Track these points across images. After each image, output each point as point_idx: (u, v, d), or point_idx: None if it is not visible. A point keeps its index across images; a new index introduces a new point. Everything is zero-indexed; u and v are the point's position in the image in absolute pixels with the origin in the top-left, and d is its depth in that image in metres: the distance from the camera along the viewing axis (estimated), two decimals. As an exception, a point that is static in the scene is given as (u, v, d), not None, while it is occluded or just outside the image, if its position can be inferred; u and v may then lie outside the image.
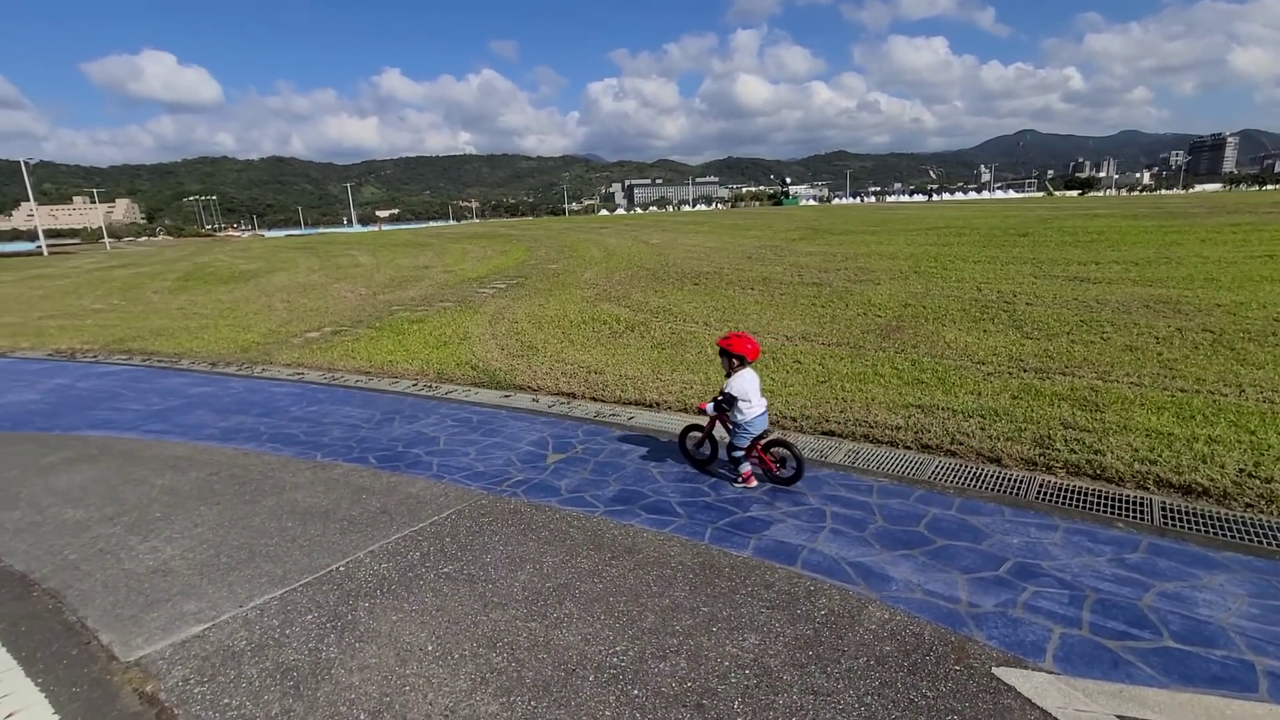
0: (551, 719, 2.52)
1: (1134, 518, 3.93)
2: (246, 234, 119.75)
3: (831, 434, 5.48)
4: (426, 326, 11.41)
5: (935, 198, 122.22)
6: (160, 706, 2.68)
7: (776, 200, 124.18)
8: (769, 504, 4.30)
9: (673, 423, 5.93)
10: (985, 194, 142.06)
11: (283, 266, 23.99)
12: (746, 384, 4.41)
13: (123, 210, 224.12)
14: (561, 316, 11.17)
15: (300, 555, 3.85)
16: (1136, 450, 4.68)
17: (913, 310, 9.18)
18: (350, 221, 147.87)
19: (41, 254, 49.31)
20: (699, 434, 4.94)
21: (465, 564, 3.69)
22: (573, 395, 7.07)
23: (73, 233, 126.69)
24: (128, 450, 5.98)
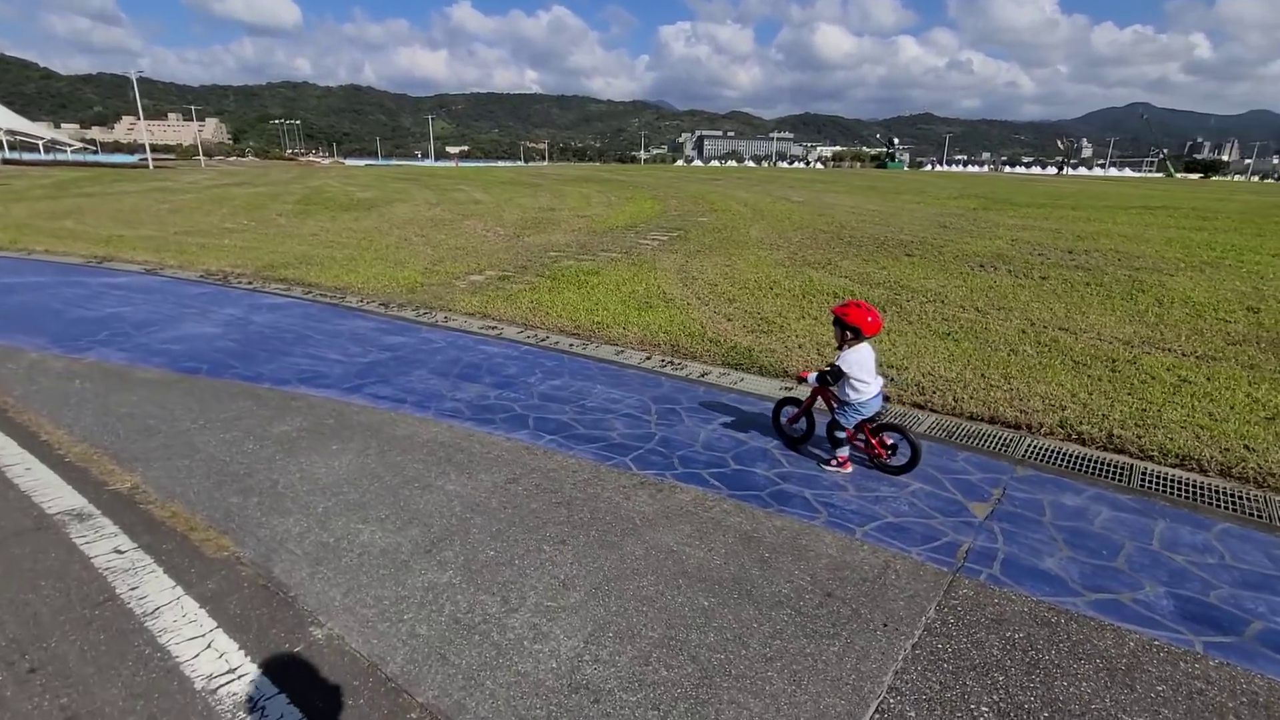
0: None
1: None
2: (326, 160, 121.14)
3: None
4: (607, 280, 9.96)
5: (1065, 171, 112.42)
6: None
7: (880, 163, 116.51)
8: None
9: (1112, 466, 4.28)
10: (1099, 171, 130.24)
11: (399, 198, 22.99)
12: (863, 360, 3.94)
13: (212, 129, 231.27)
14: (769, 282, 9.51)
15: (783, 680, 2.44)
16: None
17: (1274, 319, 7.09)
18: (429, 155, 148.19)
19: (148, 167, 50.30)
20: (795, 409, 4.46)
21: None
22: (887, 398, 5.48)
23: (167, 149, 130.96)
24: (371, 425, 4.75)
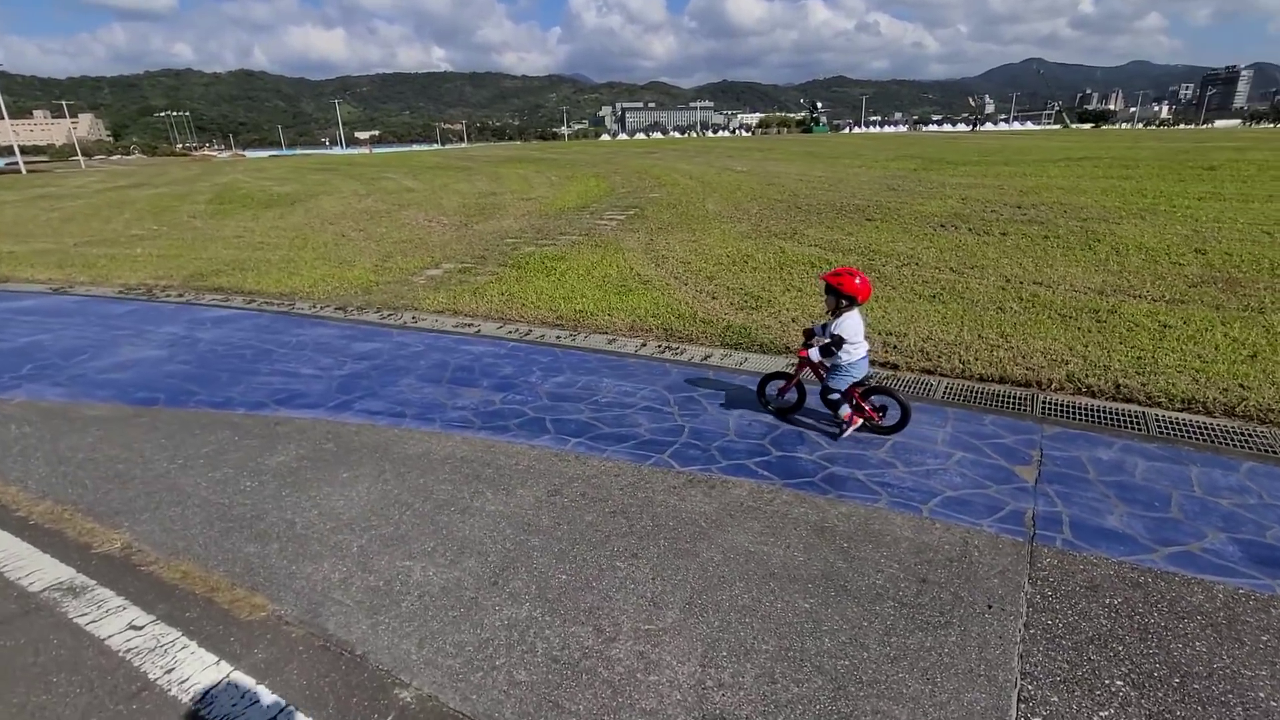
0: None
1: None
2: (225, 154, 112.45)
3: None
4: (575, 265, 9.63)
5: (979, 127, 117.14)
6: None
7: (806, 128, 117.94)
8: None
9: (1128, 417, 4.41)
10: (1003, 126, 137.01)
11: (323, 190, 21.53)
12: (856, 325, 4.06)
13: (87, 126, 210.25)
14: (742, 256, 9.42)
15: (916, 680, 2.34)
16: None
17: (1225, 259, 7.53)
18: (338, 143, 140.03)
19: (19, 171, 45.22)
20: (783, 381, 4.58)
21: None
22: (896, 367, 5.51)
23: (37, 150, 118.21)
24: (376, 445, 4.36)
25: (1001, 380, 5.12)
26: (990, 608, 2.70)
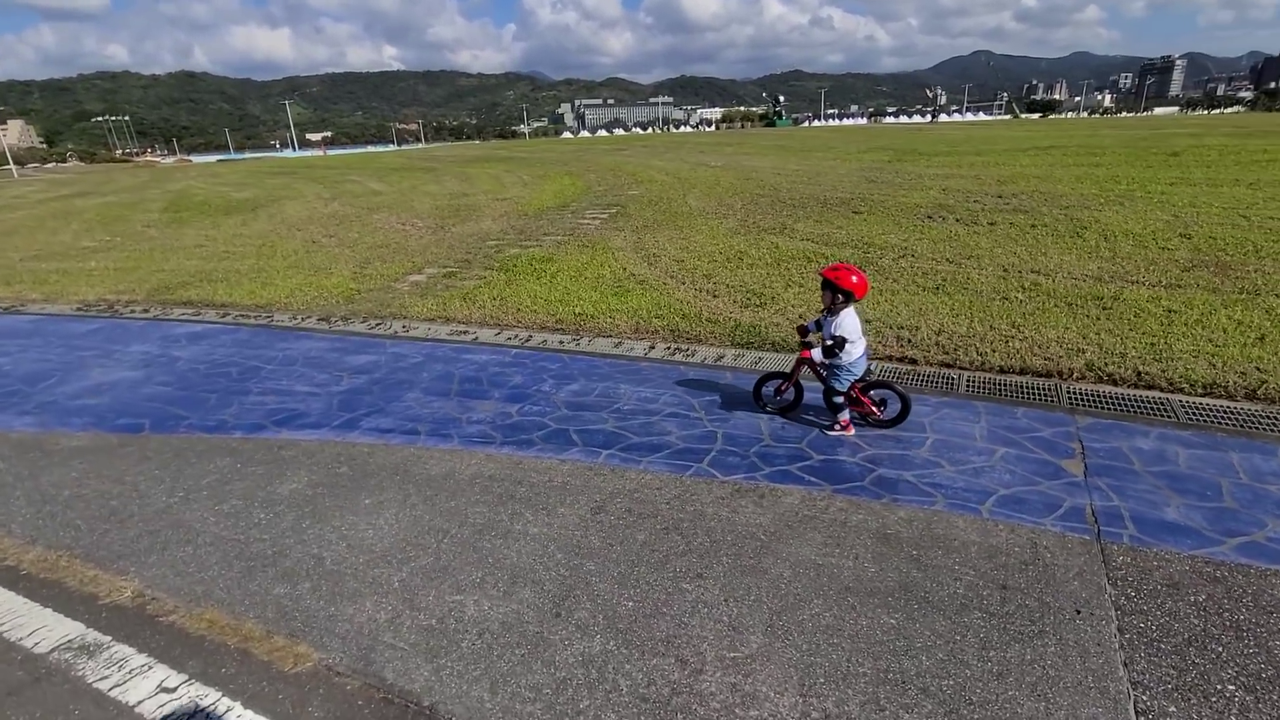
0: None
1: None
2: (170, 159, 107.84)
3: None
4: (565, 266, 9.41)
5: (941, 118, 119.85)
6: None
7: (769, 121, 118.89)
8: None
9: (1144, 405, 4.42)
10: (956, 117, 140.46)
11: (285, 195, 20.71)
12: (855, 322, 4.02)
13: (17, 133, 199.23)
14: (735, 253, 9.31)
15: (1027, 697, 2.23)
16: None
17: (1210, 243, 7.71)
18: (289, 145, 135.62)
19: (-53, 182, 42.47)
20: (781, 380, 4.51)
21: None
22: (914, 361, 5.46)
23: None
24: (394, 467, 4.10)
25: (1022, 371, 5.11)
26: (1079, 613, 2.62)
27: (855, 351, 4.05)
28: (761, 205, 12.60)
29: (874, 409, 4.22)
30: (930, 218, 10.10)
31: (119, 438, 4.78)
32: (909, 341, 5.73)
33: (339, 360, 6.38)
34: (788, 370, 4.57)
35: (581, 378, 5.54)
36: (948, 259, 8.04)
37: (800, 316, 6.62)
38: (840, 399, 4.14)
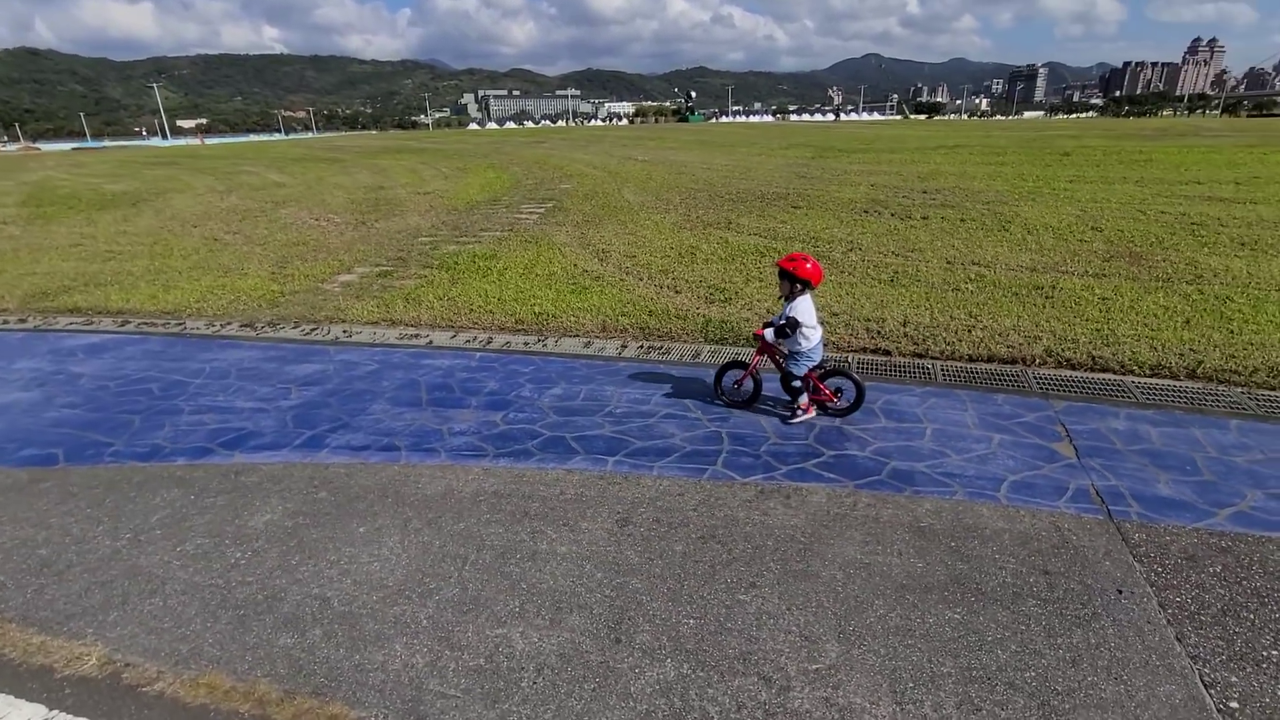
0: None
1: None
2: (13, 147, 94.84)
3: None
4: (512, 264, 9.03)
5: (842, 117, 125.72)
6: None
7: (682, 117, 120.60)
8: None
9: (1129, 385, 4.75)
10: (854, 116, 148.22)
11: (171, 187, 18.69)
12: (810, 308, 4.18)
13: None
14: (686, 248, 9.28)
15: (1104, 681, 2.29)
16: None
17: (1119, 235, 8.45)
18: (158, 133, 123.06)
19: None
20: (740, 371, 4.60)
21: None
22: (888, 353, 5.61)
23: None
24: (382, 488, 3.72)
25: (990, 359, 5.36)
26: (1120, 592, 2.73)
27: (814, 337, 4.20)
28: (700, 200, 12.66)
29: (831, 397, 4.36)
30: (867, 212, 10.51)
31: (28, 472, 4.07)
32: (879, 334, 5.88)
33: (279, 371, 5.77)
34: (748, 361, 4.62)
35: (561, 381, 5.29)
36: (894, 252, 8.38)
37: (767, 310, 6.66)
38: (799, 383, 4.29)
